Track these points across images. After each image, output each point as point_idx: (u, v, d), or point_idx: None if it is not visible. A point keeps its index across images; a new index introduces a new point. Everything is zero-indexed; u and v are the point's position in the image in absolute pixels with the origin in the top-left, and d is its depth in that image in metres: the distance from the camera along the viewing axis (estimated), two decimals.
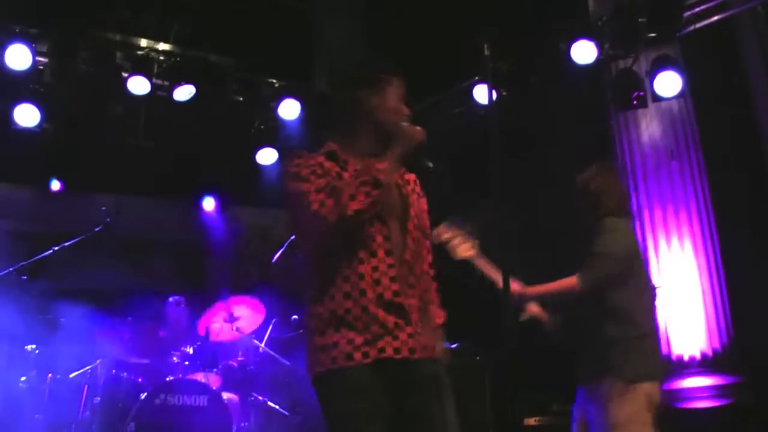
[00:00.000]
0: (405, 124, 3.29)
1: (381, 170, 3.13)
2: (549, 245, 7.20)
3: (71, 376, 6.89)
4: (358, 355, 3.08)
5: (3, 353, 6.80)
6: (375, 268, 3.18)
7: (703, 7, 7.26)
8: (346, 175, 3.25)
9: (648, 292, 4.66)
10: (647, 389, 4.32)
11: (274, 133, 8.87)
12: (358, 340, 3.10)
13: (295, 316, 8.04)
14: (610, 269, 4.44)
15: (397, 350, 3.13)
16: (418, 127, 3.26)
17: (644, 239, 7.52)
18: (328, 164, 3.28)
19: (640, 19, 7.23)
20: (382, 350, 3.11)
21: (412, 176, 3.52)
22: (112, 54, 8.07)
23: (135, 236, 9.17)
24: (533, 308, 4.74)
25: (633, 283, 4.51)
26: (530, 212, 7.32)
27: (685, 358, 7.19)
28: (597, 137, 7.96)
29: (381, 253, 3.20)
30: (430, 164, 3.30)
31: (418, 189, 3.52)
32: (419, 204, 3.48)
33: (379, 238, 3.22)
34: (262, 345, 7.58)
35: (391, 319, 3.14)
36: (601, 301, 4.49)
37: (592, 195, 4.72)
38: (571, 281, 4.46)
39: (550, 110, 7.90)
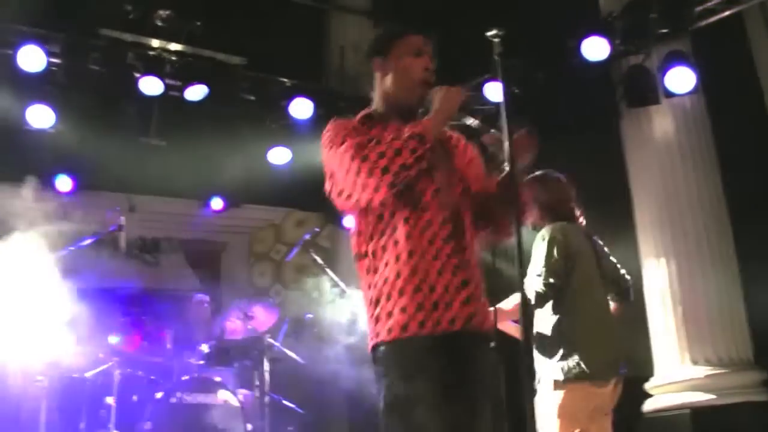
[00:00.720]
0: (439, 88, 3.20)
1: (426, 127, 3.06)
2: None
3: (87, 375, 6.93)
4: (413, 325, 2.99)
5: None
6: (428, 223, 3.11)
7: (714, 1, 7.23)
8: (386, 134, 3.14)
9: (591, 296, 4.76)
10: (575, 389, 4.48)
11: (285, 131, 8.86)
12: (411, 308, 3.01)
13: (309, 315, 8.08)
14: (541, 287, 4.58)
15: (452, 321, 3.03)
16: (454, 88, 3.19)
17: (654, 238, 7.51)
18: (363, 127, 3.24)
19: (651, 15, 7.21)
20: (438, 322, 3.01)
21: (452, 133, 3.46)
22: (124, 54, 8.08)
23: (148, 235, 9.21)
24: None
25: (569, 292, 4.66)
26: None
27: (703, 357, 7.17)
28: (608, 134, 7.94)
29: (433, 209, 3.13)
30: (472, 122, 3.22)
31: (462, 142, 3.46)
32: (466, 154, 3.42)
33: (429, 195, 3.15)
34: (277, 343, 7.61)
35: (442, 283, 3.05)
36: (543, 311, 4.71)
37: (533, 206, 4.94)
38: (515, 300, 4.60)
39: (561, 107, 7.88)
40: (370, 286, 3.16)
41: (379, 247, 3.13)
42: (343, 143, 3.10)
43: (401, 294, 3.04)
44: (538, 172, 4.97)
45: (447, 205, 3.17)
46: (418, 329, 3.00)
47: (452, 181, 3.26)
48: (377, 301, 3.10)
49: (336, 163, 3.11)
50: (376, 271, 3.13)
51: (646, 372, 7.42)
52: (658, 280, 7.44)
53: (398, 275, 3.05)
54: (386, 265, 3.10)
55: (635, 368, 7.49)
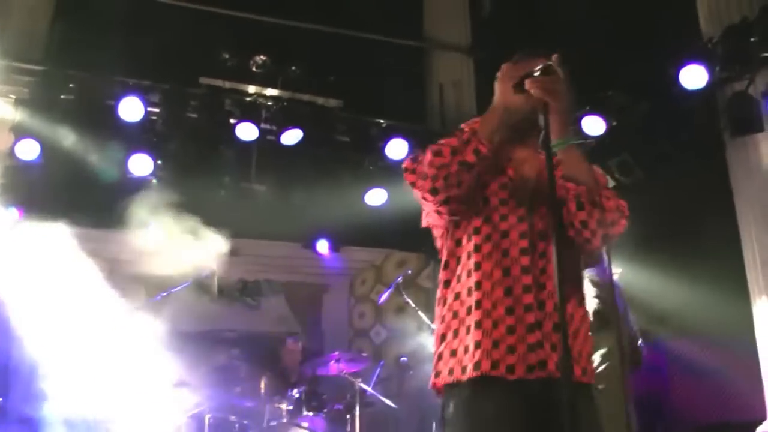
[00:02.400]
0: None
1: (475, 123, 2.83)
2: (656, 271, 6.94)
3: (180, 420, 7.00)
4: (470, 367, 2.71)
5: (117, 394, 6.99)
6: (505, 252, 2.82)
7: None
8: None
9: None
10: None
11: (382, 173, 8.81)
12: (472, 346, 2.74)
13: (403, 358, 7.96)
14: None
15: (510, 368, 2.70)
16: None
17: (765, 274, 7.03)
18: None
19: (752, 39, 6.82)
20: (496, 365, 2.69)
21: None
22: (221, 101, 8.24)
23: (250, 278, 9.30)
24: None
25: None
26: (639, 241, 7.03)
27: None
28: (713, 164, 7.52)
29: (513, 236, 2.84)
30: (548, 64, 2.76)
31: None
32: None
33: (510, 218, 2.87)
34: (370, 388, 7.50)
35: (507, 323, 2.74)
36: None
37: None
38: None
39: (662, 138, 7.53)
40: (440, 319, 2.92)
41: (452, 276, 2.91)
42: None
43: (468, 331, 2.78)
44: None
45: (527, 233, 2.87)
46: (473, 371, 2.72)
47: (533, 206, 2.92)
48: (442, 337, 2.88)
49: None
50: (445, 302, 2.90)
51: (759, 416, 6.93)
52: None
53: (469, 311, 2.79)
54: (456, 297, 2.87)
55: (747, 412, 7.05)
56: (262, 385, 7.45)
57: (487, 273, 2.80)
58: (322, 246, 9.71)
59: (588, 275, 4.76)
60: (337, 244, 9.59)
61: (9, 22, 8.19)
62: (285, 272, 9.61)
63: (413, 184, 2.82)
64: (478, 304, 2.78)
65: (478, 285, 2.80)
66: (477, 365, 2.72)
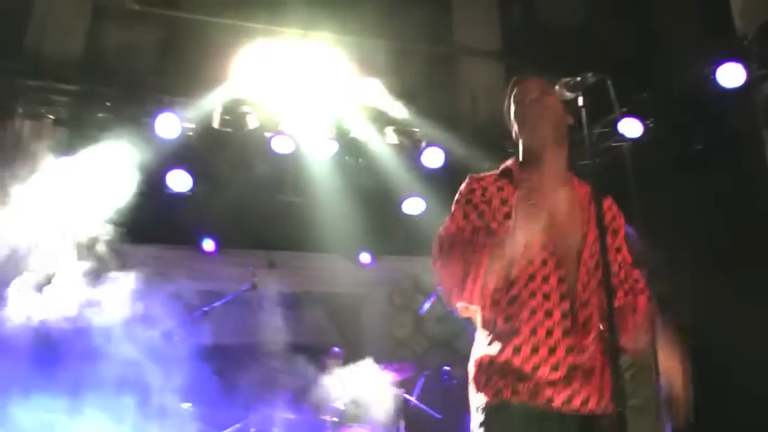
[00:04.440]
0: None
1: (503, 246, 2.85)
2: (699, 273, 6.81)
3: None
4: (507, 392, 2.90)
5: (160, 412, 7.01)
6: (547, 315, 2.95)
7: None
8: (512, 199, 2.99)
9: None
10: None
11: (418, 182, 8.78)
12: (511, 377, 2.92)
13: (446, 367, 7.92)
14: None
15: (549, 400, 2.89)
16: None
17: None
18: (493, 187, 3.07)
19: None
20: (516, 391, 2.90)
21: (585, 189, 3.15)
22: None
23: (288, 290, 9.29)
24: None
25: None
26: (683, 242, 6.94)
27: None
28: (751, 163, 7.43)
29: (554, 299, 2.95)
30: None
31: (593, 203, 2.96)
32: (591, 221, 3.03)
33: (553, 281, 2.96)
34: (413, 398, 7.48)
35: (554, 378, 2.89)
36: None
37: None
38: None
39: (699, 138, 7.45)
40: (484, 342, 3.06)
41: (492, 315, 3.03)
42: (448, 220, 3.12)
43: (504, 365, 2.96)
44: None
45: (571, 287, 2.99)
46: (511, 395, 2.91)
47: (580, 255, 3.02)
48: (479, 364, 3.06)
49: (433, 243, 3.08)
50: (492, 329, 3.03)
51: None
52: None
53: (517, 350, 2.94)
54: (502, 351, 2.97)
55: None
56: (306, 396, 7.46)
57: (533, 326, 2.96)
58: (365, 257, 9.68)
59: None
60: (375, 253, 9.57)
61: (44, 42, 8.29)
62: (323, 284, 9.60)
63: (444, 281, 3.03)
64: (520, 345, 2.94)
65: (525, 341, 2.95)
66: (523, 392, 2.91)
